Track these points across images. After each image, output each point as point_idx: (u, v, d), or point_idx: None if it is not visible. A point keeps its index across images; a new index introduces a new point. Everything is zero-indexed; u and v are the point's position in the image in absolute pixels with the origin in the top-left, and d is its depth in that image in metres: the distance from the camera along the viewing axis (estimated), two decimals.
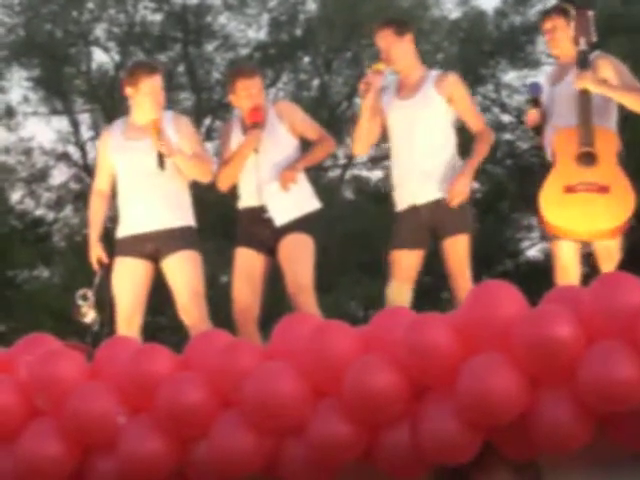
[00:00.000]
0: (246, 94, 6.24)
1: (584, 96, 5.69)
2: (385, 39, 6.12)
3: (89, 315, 6.32)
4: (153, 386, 4.79)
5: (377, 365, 4.58)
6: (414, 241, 6.00)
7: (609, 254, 5.74)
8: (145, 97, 6.14)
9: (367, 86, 6.06)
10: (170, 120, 6.23)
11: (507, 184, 21.92)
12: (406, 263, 6.01)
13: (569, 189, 5.62)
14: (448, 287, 6.10)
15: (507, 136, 22.47)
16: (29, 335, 5.32)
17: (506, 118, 22.57)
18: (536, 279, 5.91)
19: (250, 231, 6.18)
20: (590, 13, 5.86)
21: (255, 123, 6.17)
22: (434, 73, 6.21)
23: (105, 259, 6.19)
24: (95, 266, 6.29)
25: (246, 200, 6.25)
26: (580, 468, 4.69)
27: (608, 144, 5.68)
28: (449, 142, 6.09)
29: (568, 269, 5.78)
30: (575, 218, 5.63)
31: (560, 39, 6.00)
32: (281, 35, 25.89)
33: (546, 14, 6.23)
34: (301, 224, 6.14)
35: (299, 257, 6.10)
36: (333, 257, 19.34)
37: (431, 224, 5.98)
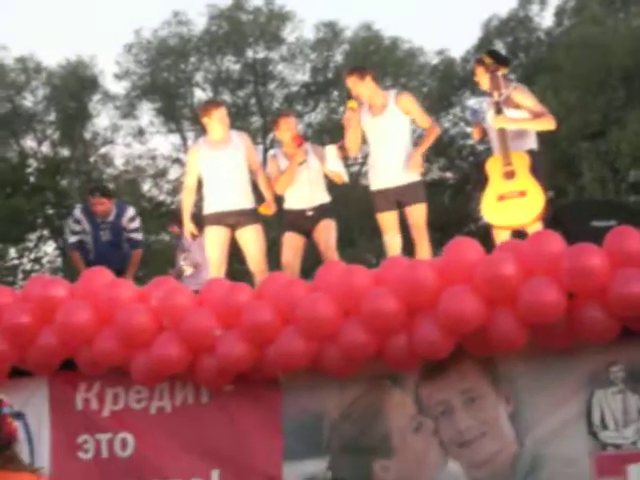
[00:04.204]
0: (287, 127, 6.20)
1: (501, 132, 5.59)
2: (352, 83, 5.95)
3: (188, 270, 6.39)
4: (240, 311, 4.77)
5: (384, 293, 4.56)
6: (388, 207, 5.94)
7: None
8: (215, 123, 6.11)
9: (348, 122, 5.94)
10: (237, 135, 6.20)
11: (470, 173, 21.74)
12: (388, 220, 5.96)
13: (500, 197, 5.50)
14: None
15: (470, 141, 22.39)
16: (157, 278, 5.33)
17: (469, 129, 22.35)
18: (490, 236, 5.83)
19: (295, 222, 6.16)
20: (499, 73, 5.69)
21: (299, 144, 6.13)
22: (392, 93, 6.02)
23: (196, 232, 6.19)
24: (188, 237, 6.30)
25: (292, 203, 6.20)
26: (521, 359, 4.67)
27: (522, 162, 5.51)
28: (407, 141, 5.96)
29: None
30: (507, 217, 5.52)
31: (481, 82, 5.86)
32: (318, 77, 25.79)
33: (475, 63, 6.03)
34: (326, 213, 6.16)
35: (329, 232, 6.13)
36: (355, 224, 19.33)
37: (397, 198, 5.91)
